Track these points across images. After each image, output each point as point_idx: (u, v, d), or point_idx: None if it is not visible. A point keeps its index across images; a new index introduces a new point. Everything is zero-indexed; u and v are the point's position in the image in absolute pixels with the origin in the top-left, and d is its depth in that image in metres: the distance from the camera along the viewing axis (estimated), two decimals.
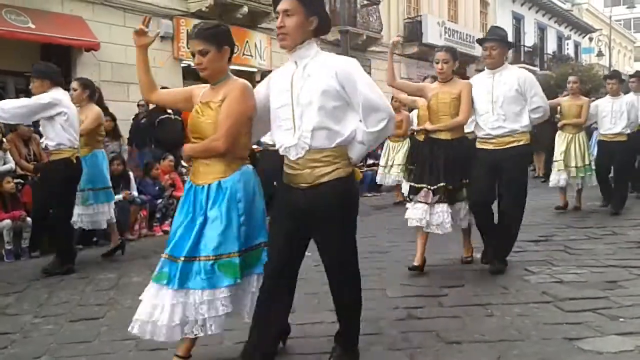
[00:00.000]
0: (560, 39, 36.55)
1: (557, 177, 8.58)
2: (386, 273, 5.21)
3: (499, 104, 5.08)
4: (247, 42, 14.94)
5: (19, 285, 5.32)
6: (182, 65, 13.70)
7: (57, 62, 10.84)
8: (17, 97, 10.99)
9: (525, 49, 30.22)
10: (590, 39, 38.35)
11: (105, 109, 9.17)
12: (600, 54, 34.53)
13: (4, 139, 7.42)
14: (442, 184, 5.07)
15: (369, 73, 18.61)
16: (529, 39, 31.64)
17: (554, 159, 8.71)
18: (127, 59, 11.89)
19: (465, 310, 4.05)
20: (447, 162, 5.09)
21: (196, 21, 13.53)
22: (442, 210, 5.07)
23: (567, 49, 36.72)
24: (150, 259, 6.16)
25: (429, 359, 3.31)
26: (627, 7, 47.96)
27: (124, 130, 9.19)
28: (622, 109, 8.21)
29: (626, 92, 8.81)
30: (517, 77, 5.13)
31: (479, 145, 5.28)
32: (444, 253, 5.93)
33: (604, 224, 7.21)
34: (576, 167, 8.44)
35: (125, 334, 3.81)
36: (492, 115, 5.11)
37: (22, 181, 7.33)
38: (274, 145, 4.19)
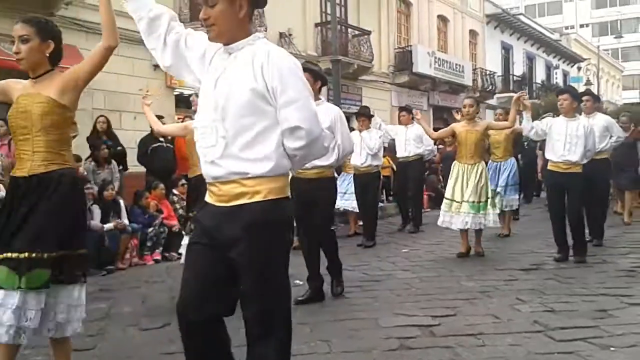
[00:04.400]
0: (549, 68, 37.05)
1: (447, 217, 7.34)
2: (378, 302, 5.21)
3: None
4: None
5: None
6: (175, 93, 13.80)
7: None
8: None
9: (514, 78, 30.60)
10: (579, 68, 38.89)
11: (114, 137, 9.28)
12: (588, 83, 34.97)
13: None
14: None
15: (360, 101, 18.84)
16: (518, 68, 32.06)
17: (445, 196, 7.43)
18: (120, 87, 11.98)
19: (457, 340, 4.05)
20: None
21: None
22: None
23: (556, 78, 37.20)
24: (141, 289, 6.14)
25: None
26: (615, 37, 48.70)
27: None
28: (579, 132, 6.65)
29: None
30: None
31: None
32: (437, 282, 5.94)
33: (594, 252, 7.24)
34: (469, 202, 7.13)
35: None
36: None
37: None
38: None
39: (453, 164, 7.48)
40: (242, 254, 2.39)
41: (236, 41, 2.46)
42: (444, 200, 7.40)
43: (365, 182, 8.81)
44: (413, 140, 9.80)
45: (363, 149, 8.67)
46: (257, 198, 2.40)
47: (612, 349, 3.78)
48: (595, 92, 35.33)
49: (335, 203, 5.67)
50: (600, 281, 5.75)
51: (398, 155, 10.28)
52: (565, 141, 6.65)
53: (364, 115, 8.98)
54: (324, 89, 18.49)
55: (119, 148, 9.20)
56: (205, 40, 2.55)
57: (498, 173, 9.08)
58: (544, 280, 5.86)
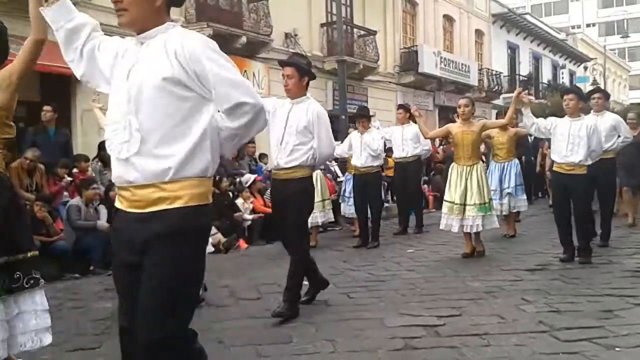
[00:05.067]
0: (555, 68, 36.96)
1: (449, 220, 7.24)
2: (383, 302, 5.21)
3: None
4: (245, 71, 15.09)
5: None
6: None
7: (56, 90, 11.04)
8: (16, 125, 11.12)
9: (521, 78, 30.54)
10: (585, 68, 38.78)
11: None
12: (595, 83, 34.84)
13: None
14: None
15: (366, 102, 18.85)
16: (524, 68, 31.99)
17: (444, 199, 7.38)
18: None
19: (462, 340, 4.05)
20: None
21: None
22: None
23: (562, 78, 37.10)
24: None
25: None
26: (622, 37, 48.54)
27: None
28: (582, 133, 6.54)
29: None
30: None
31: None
32: (442, 282, 5.94)
33: (600, 252, 7.23)
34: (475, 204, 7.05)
35: None
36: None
37: None
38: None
39: (451, 166, 7.38)
40: (153, 264, 2.18)
41: (149, 30, 2.29)
42: (444, 203, 7.30)
43: (365, 182, 8.68)
44: (410, 140, 9.67)
45: (364, 150, 8.60)
46: (178, 204, 2.18)
47: (617, 349, 3.78)
48: None
49: (310, 211, 5.11)
50: (606, 282, 5.74)
51: (395, 155, 10.13)
52: (568, 142, 6.56)
53: (363, 116, 8.90)
54: (330, 88, 18.52)
55: None
56: (120, 42, 2.42)
57: (503, 174, 9.02)
58: (549, 281, 5.85)
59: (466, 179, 7.06)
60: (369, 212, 8.77)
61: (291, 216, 4.77)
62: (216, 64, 2.22)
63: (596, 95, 7.96)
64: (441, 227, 7.32)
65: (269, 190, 10.57)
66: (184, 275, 2.20)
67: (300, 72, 4.79)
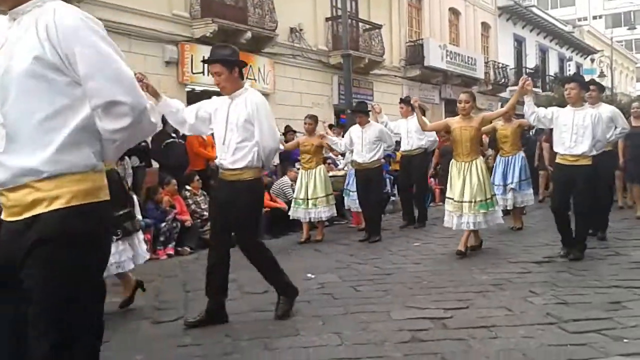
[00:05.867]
0: (562, 60, 36.78)
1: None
2: (390, 295, 5.21)
3: None
4: (250, 66, 15.09)
5: None
6: (187, 89, 13.84)
7: None
8: None
9: (527, 70, 30.40)
10: (592, 60, 38.59)
11: None
12: (602, 75, 34.66)
13: None
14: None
15: (372, 96, 18.82)
16: (531, 60, 31.85)
17: (447, 195, 7.21)
18: None
19: (469, 332, 4.05)
20: None
21: (201, 47, 13.79)
22: None
23: (569, 70, 36.88)
24: (154, 283, 6.18)
25: None
26: (628, 29, 48.22)
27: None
28: (587, 122, 6.38)
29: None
30: None
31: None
32: (449, 275, 5.94)
33: (607, 244, 7.21)
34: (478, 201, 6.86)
35: (131, 357, 3.84)
36: None
37: None
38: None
39: (451, 163, 7.18)
40: (32, 278, 1.87)
41: (22, 4, 1.95)
42: (447, 200, 7.12)
43: (367, 177, 8.59)
44: (415, 132, 9.57)
45: (365, 145, 8.55)
46: (57, 205, 1.87)
47: (625, 340, 3.77)
48: (609, 84, 34.85)
49: (260, 210, 4.94)
50: (614, 273, 5.72)
51: (402, 149, 10.14)
52: (572, 132, 6.36)
53: (361, 112, 8.83)
54: (335, 82, 18.48)
55: (142, 144, 9.21)
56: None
57: (507, 169, 8.93)
58: (557, 273, 5.84)
59: (464, 176, 6.88)
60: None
61: (239, 219, 4.44)
62: (92, 49, 1.88)
63: (591, 87, 7.64)
64: (445, 224, 7.21)
65: (273, 185, 10.65)
66: (67, 290, 1.89)
67: (227, 65, 4.35)
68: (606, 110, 7.74)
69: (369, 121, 8.80)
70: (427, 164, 11.10)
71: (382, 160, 9.17)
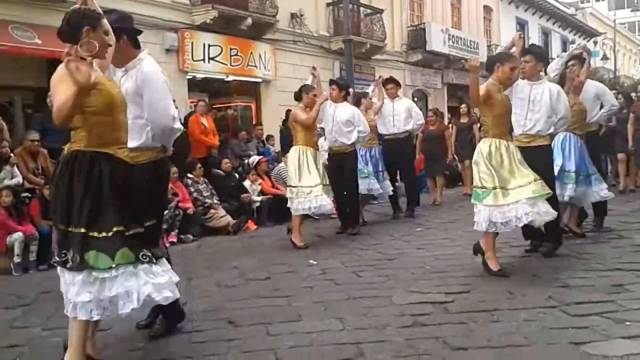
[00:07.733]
0: (564, 43, 36.49)
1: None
2: (392, 280, 5.21)
3: None
4: (251, 52, 15.03)
5: (27, 298, 5.36)
6: (187, 77, 13.81)
7: None
8: (24, 111, 11.16)
9: None
10: (595, 43, 38.30)
11: None
12: (605, 58, 34.49)
13: (12, 154, 7.51)
14: None
15: (374, 81, 18.72)
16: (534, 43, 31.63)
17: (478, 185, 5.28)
18: None
19: (471, 316, 4.05)
20: None
21: (201, 34, 13.73)
22: None
23: None
24: None
25: None
26: (632, 10, 47.87)
27: None
28: (544, 97, 5.66)
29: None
30: None
31: None
32: (451, 259, 5.94)
33: (610, 227, 7.19)
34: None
35: (134, 345, 3.86)
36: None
37: (29, 195, 7.39)
38: None
39: (488, 143, 5.16)
40: None
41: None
42: (491, 192, 5.17)
43: (340, 163, 7.81)
44: (403, 113, 9.13)
45: (335, 125, 7.74)
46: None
47: (627, 323, 3.76)
48: (612, 67, 34.41)
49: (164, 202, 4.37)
50: (616, 256, 5.70)
51: (385, 132, 9.31)
52: (528, 109, 5.64)
53: (334, 83, 8.03)
54: (337, 68, 18.30)
55: None
56: None
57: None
58: (559, 257, 5.82)
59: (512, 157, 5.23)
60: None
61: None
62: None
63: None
64: (482, 229, 5.35)
65: (274, 171, 10.61)
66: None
67: (115, 34, 3.59)
68: (592, 86, 7.26)
69: (345, 101, 8.04)
70: (414, 148, 10.62)
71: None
